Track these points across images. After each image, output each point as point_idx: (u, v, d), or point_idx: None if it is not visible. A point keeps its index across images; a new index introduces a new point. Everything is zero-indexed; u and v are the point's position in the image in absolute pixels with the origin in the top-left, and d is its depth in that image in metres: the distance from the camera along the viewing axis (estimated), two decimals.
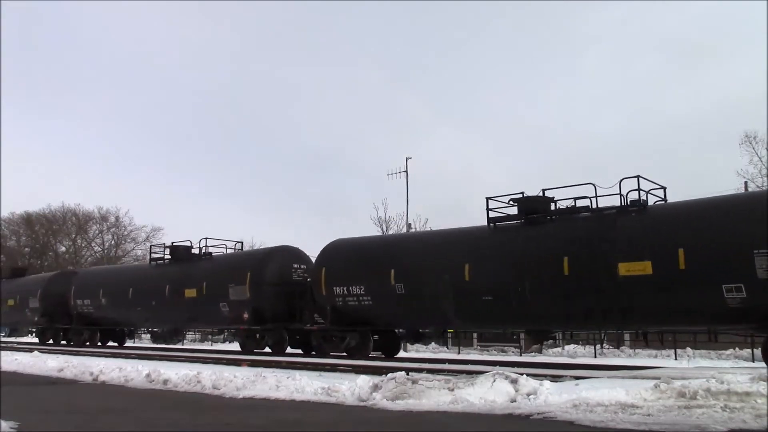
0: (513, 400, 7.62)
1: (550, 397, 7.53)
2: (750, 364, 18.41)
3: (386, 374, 8.78)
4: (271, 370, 12.50)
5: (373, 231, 36.26)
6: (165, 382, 10.84)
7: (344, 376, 11.09)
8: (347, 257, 18.53)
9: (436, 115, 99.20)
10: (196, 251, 23.85)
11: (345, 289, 17.82)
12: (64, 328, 28.87)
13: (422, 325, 18.18)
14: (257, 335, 20.71)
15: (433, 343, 30.37)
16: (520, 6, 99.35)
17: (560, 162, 79.10)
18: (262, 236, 67.70)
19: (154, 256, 25.62)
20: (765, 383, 6.98)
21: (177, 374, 11.01)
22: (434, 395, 7.93)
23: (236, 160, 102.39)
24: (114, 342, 29.15)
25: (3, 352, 18.60)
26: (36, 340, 35.47)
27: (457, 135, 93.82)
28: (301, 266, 21.08)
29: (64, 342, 29.17)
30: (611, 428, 5.94)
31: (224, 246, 23.92)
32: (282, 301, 20.11)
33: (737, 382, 7.13)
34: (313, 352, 19.92)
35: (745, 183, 32.28)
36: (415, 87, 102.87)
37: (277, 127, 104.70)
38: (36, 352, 18.20)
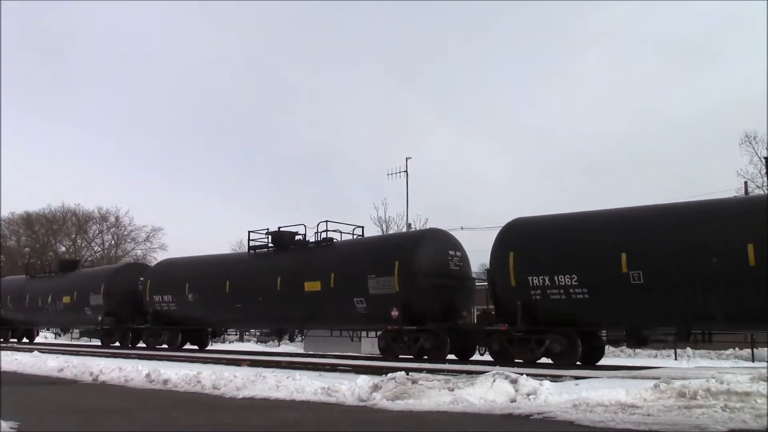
0: (513, 400, 7.62)
1: (550, 397, 7.53)
2: (750, 364, 18.42)
3: (386, 374, 8.78)
4: (270, 370, 12.52)
5: (374, 231, 36.23)
6: (165, 382, 10.84)
7: (344, 376, 11.10)
8: (548, 238, 15.06)
9: (436, 115, 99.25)
10: (300, 238, 20.77)
11: (546, 279, 14.33)
12: (138, 328, 25.22)
13: (659, 325, 14.33)
14: (406, 337, 16.95)
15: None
16: (520, 6, 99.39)
17: (561, 162, 79.24)
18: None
19: (253, 243, 21.74)
20: (765, 383, 6.98)
21: (177, 374, 11.01)
22: (434, 395, 7.92)
23: (236, 160, 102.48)
24: (194, 345, 24.94)
25: (3, 352, 18.59)
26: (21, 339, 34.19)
27: (457, 135, 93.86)
28: (457, 253, 17.70)
29: (130, 344, 25.83)
30: (611, 428, 5.94)
31: (338, 231, 20.23)
32: (439, 296, 16.69)
33: (737, 382, 7.13)
34: (474, 358, 16.76)
35: (745, 183, 32.35)
36: (415, 87, 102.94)
37: (277, 127, 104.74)
38: (36, 352, 18.20)
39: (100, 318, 26.02)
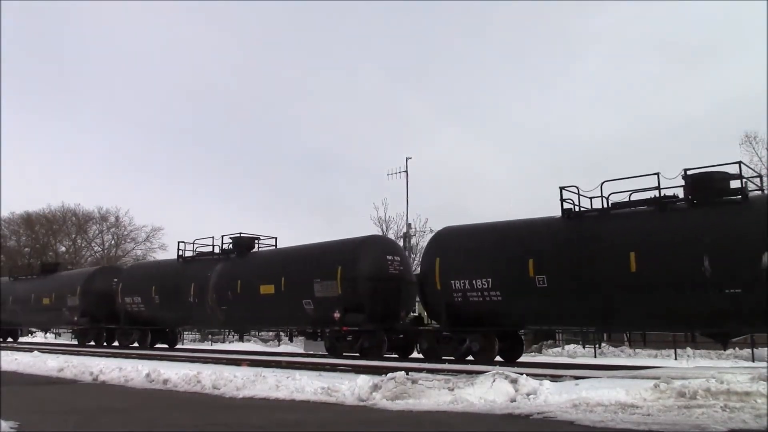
0: (513, 400, 7.62)
1: (550, 396, 7.53)
2: (750, 364, 18.40)
3: (386, 374, 8.78)
4: (270, 369, 12.53)
5: (374, 231, 36.26)
6: (165, 382, 10.85)
7: (344, 376, 11.09)
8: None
9: (436, 115, 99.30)
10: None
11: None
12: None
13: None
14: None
15: None
16: (520, 6, 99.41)
17: (561, 161, 79.19)
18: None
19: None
20: (765, 383, 6.98)
21: (177, 374, 11.01)
22: (434, 395, 7.93)
23: (236, 159, 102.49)
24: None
25: (3, 352, 18.59)
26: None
27: (457, 135, 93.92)
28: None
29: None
30: (611, 428, 5.94)
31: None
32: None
33: (737, 381, 7.13)
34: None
35: (746, 183, 32.29)
36: (415, 87, 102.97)
37: (277, 127, 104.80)
38: (36, 352, 18.20)
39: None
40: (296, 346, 28.15)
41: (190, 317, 23.48)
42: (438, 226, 24.15)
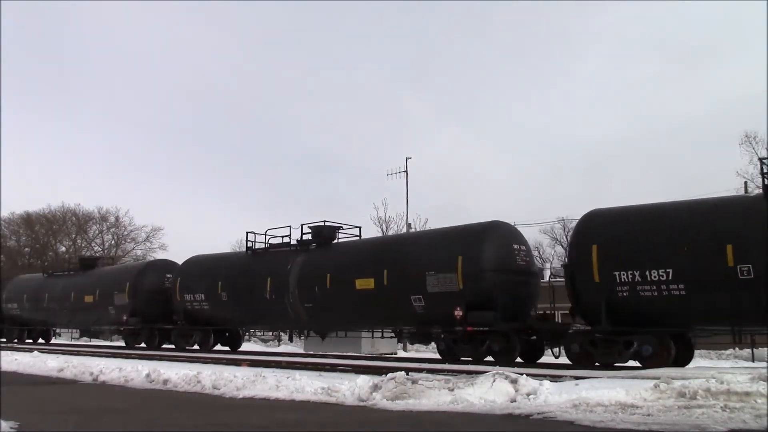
0: (513, 400, 7.62)
1: (550, 397, 7.54)
2: (750, 364, 18.41)
3: (386, 374, 8.79)
4: (270, 370, 12.53)
5: (373, 231, 36.27)
6: (165, 382, 10.85)
7: (344, 376, 11.11)
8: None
9: (436, 115, 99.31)
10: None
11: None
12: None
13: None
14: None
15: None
16: (520, 6, 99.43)
17: (561, 161, 79.24)
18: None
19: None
20: (765, 383, 6.98)
21: (177, 374, 11.02)
22: (434, 395, 7.93)
23: (236, 159, 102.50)
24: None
25: (3, 352, 18.60)
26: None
27: (457, 135, 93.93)
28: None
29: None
30: (611, 428, 5.94)
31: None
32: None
33: (737, 382, 7.14)
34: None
35: (745, 183, 32.37)
36: (415, 87, 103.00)
37: (277, 127, 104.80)
38: (36, 352, 18.21)
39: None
40: (296, 346, 28.15)
41: (265, 316, 20.96)
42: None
